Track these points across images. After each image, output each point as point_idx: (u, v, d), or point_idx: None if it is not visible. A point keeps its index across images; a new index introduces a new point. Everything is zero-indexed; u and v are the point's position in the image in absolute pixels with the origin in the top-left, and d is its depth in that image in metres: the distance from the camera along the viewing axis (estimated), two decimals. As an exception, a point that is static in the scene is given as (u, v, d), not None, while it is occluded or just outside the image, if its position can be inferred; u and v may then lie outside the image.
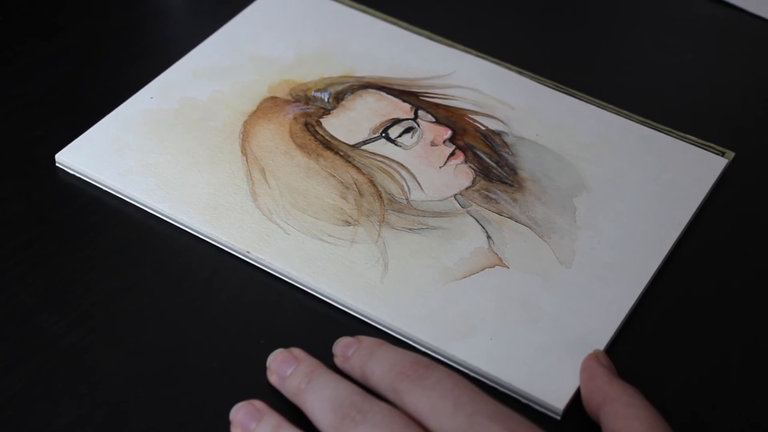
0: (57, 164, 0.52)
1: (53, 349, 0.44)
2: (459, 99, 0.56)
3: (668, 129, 0.55)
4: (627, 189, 0.52)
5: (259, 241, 0.48)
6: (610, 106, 0.56)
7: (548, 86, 0.57)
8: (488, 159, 0.52)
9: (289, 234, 0.48)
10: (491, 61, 0.59)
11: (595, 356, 0.43)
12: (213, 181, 0.51)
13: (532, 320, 0.45)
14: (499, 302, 0.46)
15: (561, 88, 0.57)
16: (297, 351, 0.42)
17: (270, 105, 0.55)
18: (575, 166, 0.52)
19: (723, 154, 0.54)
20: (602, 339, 0.45)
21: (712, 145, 0.54)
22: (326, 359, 0.42)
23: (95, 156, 0.52)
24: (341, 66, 0.58)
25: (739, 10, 0.65)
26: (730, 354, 0.46)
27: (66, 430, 0.41)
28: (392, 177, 0.51)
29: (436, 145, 0.53)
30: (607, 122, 0.55)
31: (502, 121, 0.55)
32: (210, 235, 0.49)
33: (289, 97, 0.56)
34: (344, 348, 0.43)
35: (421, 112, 0.55)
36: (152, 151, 0.52)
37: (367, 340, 0.42)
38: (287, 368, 0.42)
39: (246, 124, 0.54)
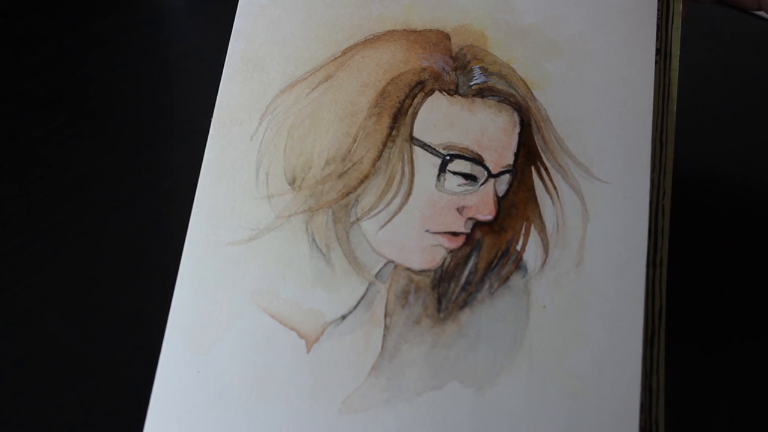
0: (57, 164, 0.53)
1: (53, 349, 0.44)
2: None
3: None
4: None
5: None
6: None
7: None
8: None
9: None
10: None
11: None
12: None
13: None
14: None
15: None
16: None
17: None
18: None
19: None
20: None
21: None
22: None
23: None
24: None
25: (739, 10, 0.65)
26: (730, 354, 0.46)
27: (66, 430, 0.41)
28: (386, 189, 0.39)
29: (459, 214, 0.39)
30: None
31: None
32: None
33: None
34: None
35: (508, 176, 0.40)
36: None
37: None
38: None
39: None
